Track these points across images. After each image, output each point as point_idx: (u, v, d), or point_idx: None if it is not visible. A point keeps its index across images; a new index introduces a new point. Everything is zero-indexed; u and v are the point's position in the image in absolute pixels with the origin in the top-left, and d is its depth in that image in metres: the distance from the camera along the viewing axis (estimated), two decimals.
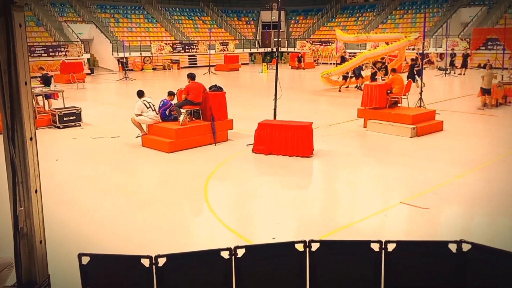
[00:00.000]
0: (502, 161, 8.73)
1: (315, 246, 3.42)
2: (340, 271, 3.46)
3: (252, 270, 3.41)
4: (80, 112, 12.97)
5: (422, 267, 3.39)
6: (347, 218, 6.14)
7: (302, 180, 8.08)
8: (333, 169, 8.59)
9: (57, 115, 12.59)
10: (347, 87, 20.46)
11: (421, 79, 13.80)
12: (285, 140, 9.08)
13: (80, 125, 12.75)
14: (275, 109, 10.51)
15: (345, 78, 20.42)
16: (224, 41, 39.46)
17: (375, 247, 3.40)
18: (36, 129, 4.33)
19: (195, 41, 38.04)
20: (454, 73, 26.95)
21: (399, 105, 12.33)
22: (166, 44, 36.01)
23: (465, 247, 3.30)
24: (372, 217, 6.05)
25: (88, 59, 32.31)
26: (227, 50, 38.15)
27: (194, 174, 8.23)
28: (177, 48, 36.34)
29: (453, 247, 3.33)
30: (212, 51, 34.65)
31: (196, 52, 37.23)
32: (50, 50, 30.08)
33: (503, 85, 15.38)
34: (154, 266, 3.26)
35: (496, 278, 3.21)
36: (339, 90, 20.07)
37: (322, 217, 6.26)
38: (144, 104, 10.29)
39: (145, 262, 3.27)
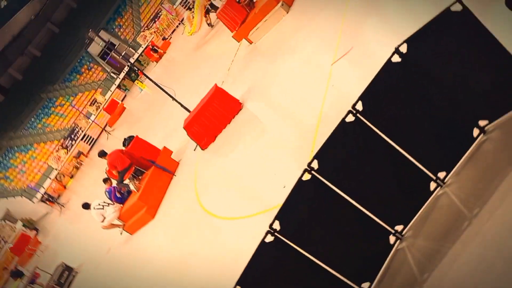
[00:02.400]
0: None
1: None
2: None
3: None
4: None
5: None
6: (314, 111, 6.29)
7: (259, 128, 8.17)
8: (267, 98, 8.70)
9: None
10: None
11: None
12: (213, 117, 9.07)
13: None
14: (182, 105, 10.40)
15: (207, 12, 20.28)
16: (91, 101, 37.87)
17: None
18: None
19: (73, 125, 36.37)
20: None
21: (254, 0, 12.29)
22: (57, 151, 34.31)
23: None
24: (325, 95, 6.26)
25: (24, 224, 30.52)
26: (101, 104, 36.72)
27: (187, 202, 8.23)
28: (69, 144, 34.71)
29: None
30: (93, 117, 33.26)
31: (83, 131, 35.71)
32: None
33: None
34: None
35: None
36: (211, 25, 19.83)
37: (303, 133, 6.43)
38: (97, 209, 9.99)
39: None
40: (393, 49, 3.26)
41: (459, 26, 3.18)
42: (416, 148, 3.46)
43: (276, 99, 8.19)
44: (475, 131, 3.50)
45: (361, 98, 3.30)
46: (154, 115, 19.24)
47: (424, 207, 3.58)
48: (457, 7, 3.11)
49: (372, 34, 6.53)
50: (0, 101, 43.13)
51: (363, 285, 3.45)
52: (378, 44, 6.02)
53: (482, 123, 3.49)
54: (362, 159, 3.46)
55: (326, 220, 3.46)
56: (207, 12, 20.10)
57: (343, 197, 3.42)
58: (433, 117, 3.46)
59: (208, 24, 20.41)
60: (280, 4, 10.66)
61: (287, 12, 10.62)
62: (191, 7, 22.67)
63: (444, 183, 3.58)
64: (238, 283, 3.23)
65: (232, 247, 5.89)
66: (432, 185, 3.58)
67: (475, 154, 3.50)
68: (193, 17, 20.84)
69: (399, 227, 3.57)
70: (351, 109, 3.29)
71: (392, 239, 3.57)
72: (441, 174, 3.56)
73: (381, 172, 3.50)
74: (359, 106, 3.29)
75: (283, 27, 10.47)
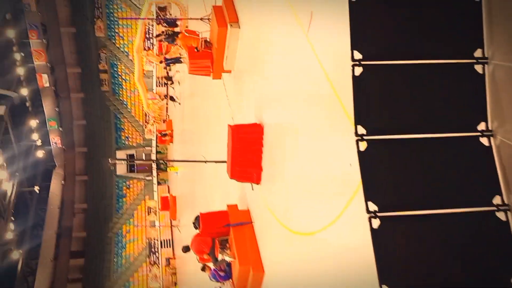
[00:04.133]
0: None
1: None
2: None
3: None
4: None
5: None
6: None
7: (291, 130, 7.95)
8: (276, 102, 8.51)
9: None
10: None
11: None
12: (247, 152, 8.93)
13: None
14: (216, 161, 10.35)
15: None
16: (147, 210, 38.90)
17: None
18: None
19: (147, 240, 37.34)
20: None
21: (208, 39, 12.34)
22: (150, 271, 35.19)
23: None
24: (320, 63, 6.00)
25: None
26: (156, 208, 37.69)
27: (280, 237, 8.00)
28: (155, 258, 35.57)
29: None
30: (157, 222, 34.02)
31: (157, 240, 36.57)
32: None
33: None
34: None
35: None
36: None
37: None
38: None
39: None
40: None
41: None
42: (440, 45, 3.13)
43: (284, 95, 7.99)
44: None
45: (353, 47, 3.05)
46: (200, 184, 19.40)
47: (487, 91, 3.19)
48: None
49: None
50: (82, 265, 45.07)
51: (494, 200, 3.07)
52: None
53: None
54: (398, 96, 3.16)
55: (413, 170, 3.15)
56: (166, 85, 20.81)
57: (410, 138, 3.11)
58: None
59: (171, 99, 20.85)
60: (229, 25, 10.63)
61: (239, 27, 10.56)
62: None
63: (487, 60, 3.19)
64: (381, 282, 2.94)
65: (348, 250, 5.59)
66: (478, 68, 3.20)
67: None
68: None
69: (481, 126, 3.18)
70: (352, 62, 3.04)
71: (484, 140, 3.18)
72: (478, 52, 3.18)
73: (425, 92, 3.19)
74: (357, 55, 3.04)
75: (245, 40, 10.39)
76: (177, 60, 17.80)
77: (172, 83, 25.46)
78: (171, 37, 17.48)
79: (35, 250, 35.15)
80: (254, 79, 9.80)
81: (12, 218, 32.19)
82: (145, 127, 38.22)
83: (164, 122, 33.31)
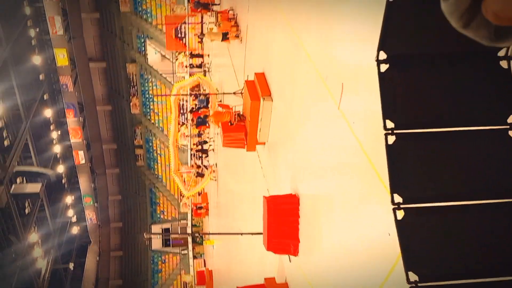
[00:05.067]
0: None
1: None
2: None
3: None
4: None
5: None
6: None
7: (325, 201, 7.92)
8: (312, 174, 8.57)
9: None
10: None
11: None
12: (283, 223, 8.86)
13: None
14: (252, 233, 10.27)
15: None
16: (183, 286, 38.07)
17: None
18: None
19: None
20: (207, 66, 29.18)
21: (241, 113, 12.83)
22: None
23: None
24: (354, 132, 6.11)
25: None
26: (191, 282, 36.89)
27: None
28: None
29: None
30: None
31: None
32: None
33: (218, 21, 16.95)
34: None
35: None
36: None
37: None
38: None
39: None
40: (372, 57, 3.14)
41: None
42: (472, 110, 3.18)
43: (319, 165, 8.04)
44: None
45: (385, 116, 3.10)
46: (237, 257, 19.05)
47: None
48: None
49: (345, 59, 6.56)
50: None
51: None
52: (355, 60, 6.01)
53: None
54: (433, 164, 3.18)
55: (454, 239, 3.08)
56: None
57: (449, 206, 3.08)
58: None
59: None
60: (262, 99, 11.02)
61: (272, 100, 10.93)
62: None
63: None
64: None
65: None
66: (504, 64, 3.19)
67: None
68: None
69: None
70: (385, 131, 3.09)
71: None
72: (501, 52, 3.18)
73: (462, 156, 3.20)
74: (390, 124, 3.09)
75: (278, 112, 10.72)
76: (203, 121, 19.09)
77: (207, 156, 26.18)
78: (203, 121, 18.97)
79: None
80: (288, 150, 9.97)
81: None
82: (180, 201, 38.50)
83: (199, 195, 33.64)
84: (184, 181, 24.75)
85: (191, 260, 39.36)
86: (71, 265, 37.25)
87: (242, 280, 12.12)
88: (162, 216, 43.72)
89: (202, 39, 26.64)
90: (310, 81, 8.02)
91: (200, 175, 23.54)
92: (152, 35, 37.93)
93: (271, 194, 9.56)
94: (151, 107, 41.59)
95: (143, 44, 38.86)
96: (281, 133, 10.60)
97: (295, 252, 9.03)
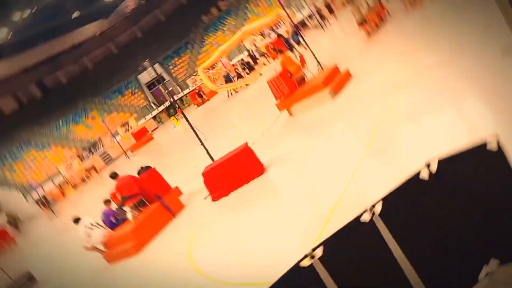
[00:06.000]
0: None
1: None
2: None
3: None
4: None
5: None
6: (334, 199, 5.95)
7: (274, 198, 7.82)
8: (290, 171, 8.43)
9: None
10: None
11: (305, 44, 14.32)
12: (234, 172, 8.80)
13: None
14: (208, 152, 10.22)
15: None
16: (123, 123, 38.57)
17: None
18: None
19: (97, 139, 36.86)
20: (329, 23, 28.36)
21: (306, 79, 12.55)
22: (71, 158, 34.54)
23: None
24: (352, 183, 5.92)
25: (8, 221, 30.02)
26: (131, 128, 37.33)
27: (177, 249, 7.73)
28: (85, 156, 34.96)
29: None
30: (118, 137, 33.72)
31: (104, 148, 36.05)
32: None
33: (371, 9, 16.27)
34: None
35: None
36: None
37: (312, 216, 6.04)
38: (86, 228, 9.61)
39: None
40: (424, 164, 3.04)
41: (489, 164, 2.96)
42: (424, 270, 3.09)
43: (299, 174, 7.90)
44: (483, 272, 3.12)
45: (384, 199, 3.02)
46: (179, 154, 19.19)
47: None
48: (493, 147, 2.91)
49: (406, 143, 6.29)
50: (38, 98, 44.66)
51: None
52: (409, 154, 5.74)
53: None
54: (366, 261, 3.12)
55: None
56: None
57: None
58: (446, 242, 3.13)
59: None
60: (328, 89, 10.73)
61: (332, 99, 10.66)
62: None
63: None
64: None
65: None
66: None
67: None
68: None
69: None
70: (369, 207, 3.01)
71: None
72: None
73: (379, 279, 3.12)
74: (378, 207, 3.01)
75: (325, 110, 10.44)
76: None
77: (251, 71, 26.54)
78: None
79: None
80: (297, 140, 9.81)
81: None
82: (195, 75, 37.98)
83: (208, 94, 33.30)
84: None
85: (149, 116, 39.71)
86: None
87: (162, 170, 12.04)
88: (171, 67, 43.49)
89: None
90: (368, 117, 7.75)
91: (239, 75, 24.79)
92: None
93: (252, 148, 9.42)
94: None
95: None
96: (309, 125, 10.38)
97: (215, 198, 9.03)
